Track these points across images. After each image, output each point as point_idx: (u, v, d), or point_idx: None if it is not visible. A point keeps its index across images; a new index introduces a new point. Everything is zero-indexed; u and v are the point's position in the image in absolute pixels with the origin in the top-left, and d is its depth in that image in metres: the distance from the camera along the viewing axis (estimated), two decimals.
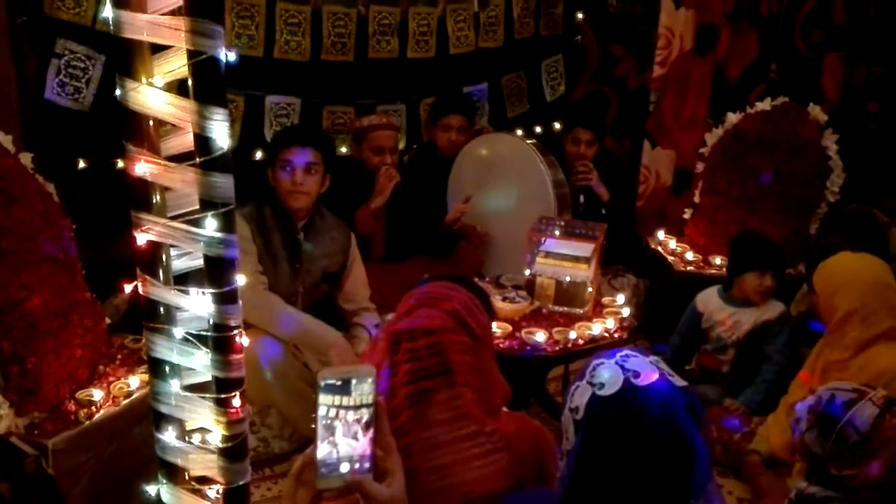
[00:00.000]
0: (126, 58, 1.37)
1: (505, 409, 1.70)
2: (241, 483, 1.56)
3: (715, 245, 3.48)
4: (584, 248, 2.85)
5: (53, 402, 2.15)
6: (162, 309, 1.51)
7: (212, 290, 1.42)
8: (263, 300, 2.67)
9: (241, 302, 1.46)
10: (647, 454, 1.16)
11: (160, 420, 1.58)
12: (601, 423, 1.19)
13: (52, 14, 2.88)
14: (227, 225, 1.39)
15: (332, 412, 1.04)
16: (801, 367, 2.63)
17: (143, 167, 1.41)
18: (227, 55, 1.33)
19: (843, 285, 2.37)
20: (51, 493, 2.06)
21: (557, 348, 2.66)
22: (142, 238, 1.46)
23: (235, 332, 1.46)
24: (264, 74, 3.35)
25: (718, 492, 1.29)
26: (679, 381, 1.22)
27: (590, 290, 2.83)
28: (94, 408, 2.15)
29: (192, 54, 1.30)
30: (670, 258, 3.47)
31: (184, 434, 1.62)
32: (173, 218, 1.46)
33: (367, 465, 1.05)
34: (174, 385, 1.55)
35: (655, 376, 1.19)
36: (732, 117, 3.47)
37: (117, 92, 1.39)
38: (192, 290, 1.48)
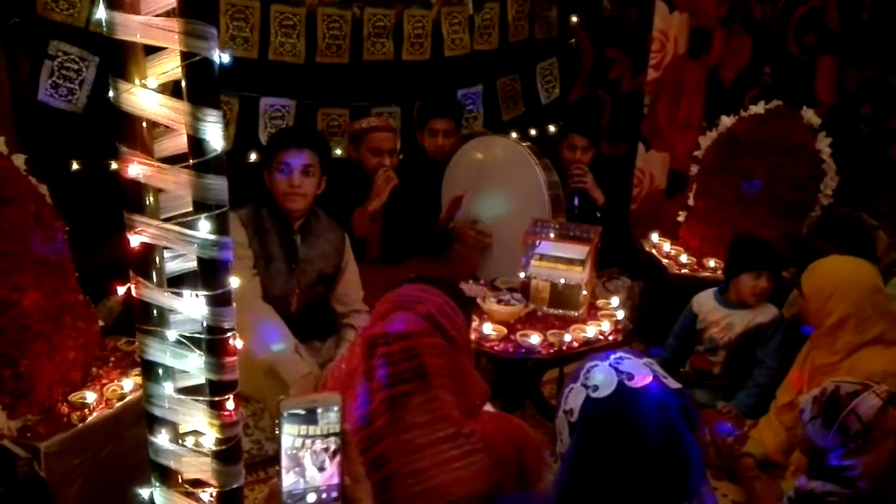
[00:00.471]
0: (119, 59, 1.37)
1: (492, 408, 1.70)
2: (234, 486, 1.55)
3: (709, 247, 3.49)
4: (579, 251, 2.85)
5: (46, 404, 2.13)
6: (155, 311, 1.50)
7: (205, 293, 1.41)
8: (251, 309, 2.63)
9: (234, 305, 1.46)
10: (641, 456, 1.16)
11: (153, 423, 1.57)
12: (595, 425, 1.19)
13: (46, 15, 2.87)
14: (220, 227, 1.38)
15: (299, 442, 1.04)
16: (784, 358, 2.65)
17: (137, 169, 1.40)
18: (221, 57, 1.32)
19: (837, 290, 2.38)
20: (43, 495, 2.05)
21: (552, 351, 2.66)
22: (135, 240, 1.45)
23: (229, 334, 1.45)
24: (259, 76, 3.35)
25: (712, 494, 1.29)
26: (673, 384, 1.22)
27: (584, 292, 2.83)
28: (87, 410, 2.14)
29: (185, 56, 1.29)
30: (665, 261, 3.48)
31: (177, 437, 1.61)
32: (167, 220, 1.45)
33: (334, 494, 1.04)
34: (167, 388, 1.54)
35: (649, 378, 1.19)
36: (726, 120, 3.48)
37: (110, 93, 1.39)
38: (186, 292, 1.47)
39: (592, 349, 2.69)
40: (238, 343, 1.49)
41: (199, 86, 1.31)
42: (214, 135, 1.33)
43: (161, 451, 1.58)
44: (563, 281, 2.83)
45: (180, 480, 1.62)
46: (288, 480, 1.03)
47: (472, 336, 2.65)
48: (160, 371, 1.54)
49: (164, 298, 1.49)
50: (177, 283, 1.52)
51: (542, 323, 2.81)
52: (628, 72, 4.29)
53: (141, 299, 1.49)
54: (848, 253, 2.56)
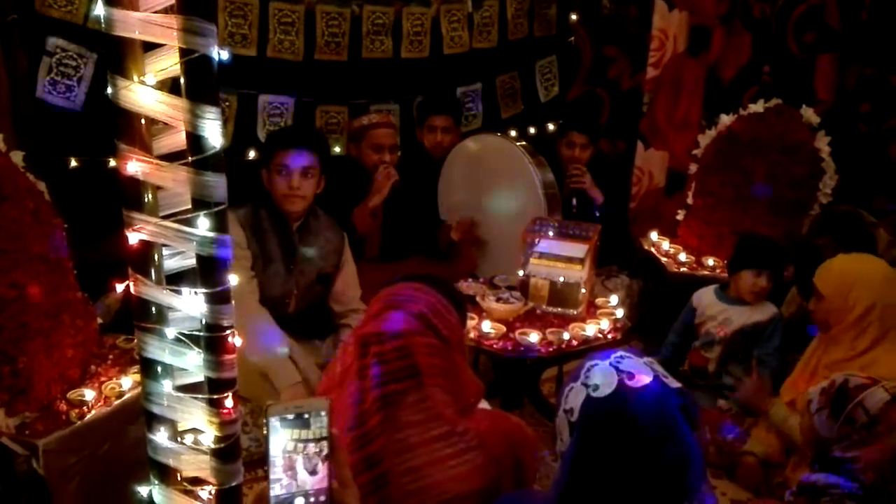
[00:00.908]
0: (118, 56, 1.36)
1: (488, 406, 1.70)
2: (233, 484, 1.54)
3: (708, 246, 3.49)
4: (578, 249, 2.85)
5: (44, 401, 2.13)
6: (154, 309, 1.49)
7: (204, 290, 1.41)
8: (247, 311, 2.61)
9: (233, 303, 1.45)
10: (641, 455, 1.16)
11: (152, 420, 1.56)
12: (595, 424, 1.19)
13: (44, 12, 2.87)
14: (219, 224, 1.37)
15: (290, 445, 1.04)
16: (791, 369, 2.63)
17: (135, 166, 1.40)
18: (220, 54, 1.32)
19: (857, 282, 2.37)
20: (41, 493, 2.05)
21: (551, 349, 2.66)
22: (133, 237, 1.44)
23: (228, 332, 1.45)
24: (257, 74, 3.34)
25: (712, 493, 1.29)
26: (673, 383, 1.22)
27: (583, 290, 2.83)
28: (85, 408, 2.14)
29: (184, 52, 1.28)
30: (664, 259, 3.48)
31: (176, 435, 1.60)
32: (165, 217, 1.45)
33: (322, 498, 1.05)
34: (166, 385, 1.54)
35: (650, 378, 1.19)
36: (725, 119, 3.48)
37: (109, 90, 1.38)
38: (185, 289, 1.47)
39: (591, 347, 2.69)
40: (237, 341, 1.49)
41: (197, 83, 1.31)
42: (213, 132, 1.33)
43: (160, 448, 1.57)
44: (562, 279, 2.82)
45: (179, 478, 1.62)
46: (276, 486, 1.03)
47: (471, 334, 2.65)
48: (159, 369, 1.53)
49: (162, 296, 1.48)
50: (176, 280, 1.51)
51: (540, 321, 2.81)
52: (627, 70, 4.28)
53: (140, 297, 1.49)
54: (849, 251, 2.56)
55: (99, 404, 2.18)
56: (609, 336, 2.76)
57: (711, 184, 3.49)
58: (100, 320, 2.45)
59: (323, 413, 1.05)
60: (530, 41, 4.12)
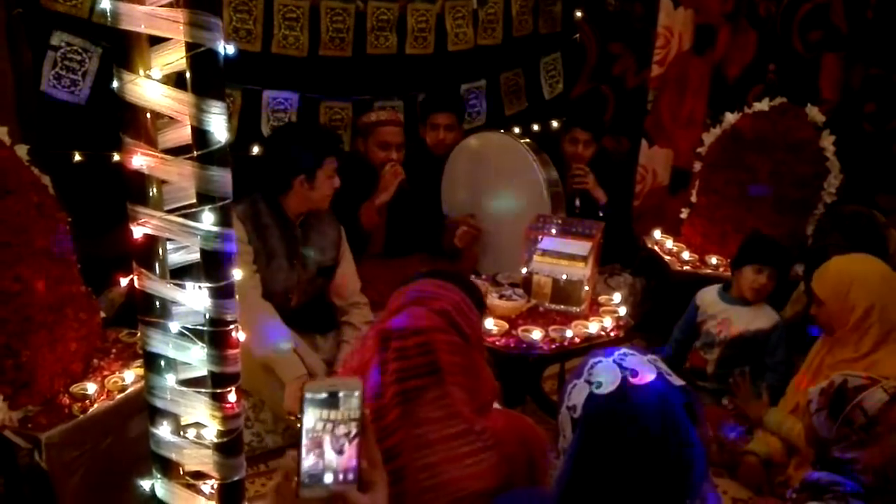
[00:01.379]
0: (123, 50, 1.36)
1: (497, 405, 1.70)
2: (235, 478, 1.55)
3: (712, 244, 3.48)
4: (581, 247, 2.85)
5: (47, 395, 2.14)
6: (158, 303, 1.50)
7: (208, 285, 1.41)
8: (251, 306, 2.61)
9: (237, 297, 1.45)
10: (644, 453, 1.16)
11: (155, 414, 1.57)
12: (598, 422, 1.19)
13: (49, 6, 2.86)
14: (224, 219, 1.38)
15: (320, 425, 1.06)
16: (796, 372, 2.62)
17: (140, 160, 1.40)
18: (226, 48, 1.32)
19: (855, 283, 2.35)
20: (44, 486, 2.05)
21: (554, 346, 2.65)
22: (138, 231, 1.45)
23: (231, 326, 1.45)
24: (262, 69, 3.34)
25: (715, 491, 1.29)
26: (677, 380, 1.22)
27: (586, 288, 2.83)
28: (88, 402, 2.15)
29: (190, 47, 1.29)
30: (667, 257, 3.47)
31: (179, 429, 1.61)
32: (170, 211, 1.45)
33: (351, 476, 1.07)
34: (169, 379, 1.55)
35: (653, 375, 1.19)
36: (730, 117, 3.47)
37: (115, 84, 1.38)
38: (189, 284, 1.47)
39: (594, 345, 2.69)
40: (240, 335, 1.49)
41: (203, 77, 1.31)
42: (218, 126, 1.33)
43: (163, 442, 1.58)
44: (564, 277, 2.82)
45: (182, 472, 1.62)
46: (308, 461, 1.05)
47: None
48: (162, 363, 1.54)
49: (166, 290, 1.49)
50: (179, 274, 1.52)
51: (543, 318, 2.81)
52: (632, 67, 4.27)
53: (144, 291, 1.49)
54: (861, 250, 2.54)
55: (101, 398, 2.19)
56: (612, 334, 2.76)
57: (716, 182, 3.48)
58: (103, 314, 2.45)
59: (356, 393, 1.07)
60: (535, 38, 4.11)
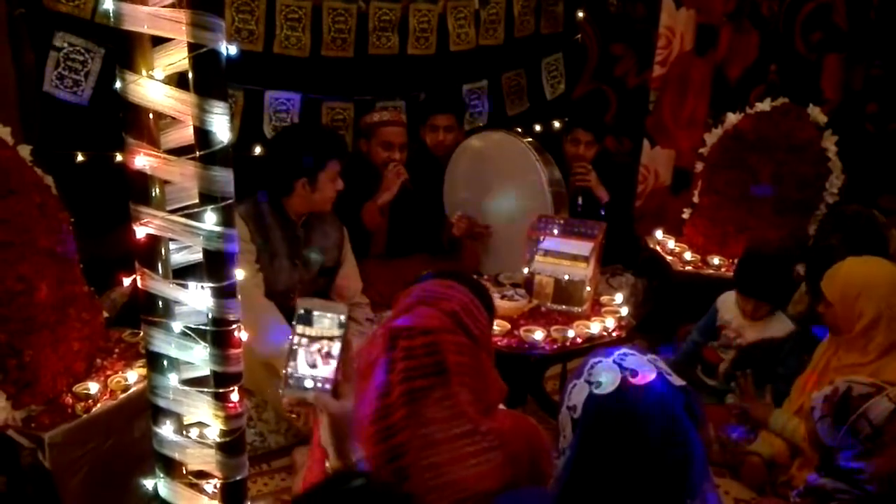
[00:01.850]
0: (126, 50, 1.37)
1: (502, 406, 1.71)
2: (238, 478, 1.55)
3: (713, 245, 3.48)
4: (583, 247, 2.85)
5: (50, 395, 2.14)
6: (161, 302, 1.50)
7: (211, 285, 1.41)
8: (254, 305, 2.61)
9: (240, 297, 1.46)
10: (643, 452, 1.16)
11: (158, 414, 1.57)
12: (598, 421, 1.19)
13: (51, 6, 2.87)
14: (226, 219, 1.38)
15: (298, 339, 1.31)
16: (801, 372, 2.61)
17: (143, 160, 1.41)
18: (228, 49, 1.32)
19: (864, 290, 2.32)
20: (47, 486, 2.06)
21: (555, 347, 2.65)
22: (141, 231, 1.45)
23: (234, 326, 1.46)
24: (264, 69, 3.34)
25: (715, 491, 1.29)
26: (677, 380, 1.22)
27: (588, 288, 2.83)
28: (91, 401, 2.15)
29: (192, 47, 1.29)
30: (669, 258, 3.47)
31: (181, 428, 1.61)
32: (172, 211, 1.45)
33: (328, 385, 1.32)
34: (172, 379, 1.55)
35: (653, 375, 1.19)
36: (732, 118, 3.47)
37: (117, 84, 1.39)
38: (191, 284, 1.47)
39: (595, 345, 2.69)
40: (243, 335, 1.49)
41: (205, 77, 1.31)
42: (221, 126, 1.33)
43: (165, 442, 1.58)
44: (566, 277, 2.82)
45: (184, 472, 1.63)
46: (290, 368, 1.30)
47: None
48: (165, 362, 1.54)
49: (169, 290, 1.49)
50: (182, 274, 1.52)
51: (545, 319, 2.81)
52: (634, 68, 4.27)
53: (146, 290, 1.50)
54: (861, 251, 2.53)
55: (104, 398, 2.19)
56: (613, 334, 2.76)
57: (717, 182, 3.48)
58: (105, 314, 2.46)
59: (330, 315, 1.32)
60: (537, 38, 4.11)
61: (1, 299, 2.02)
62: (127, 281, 1.54)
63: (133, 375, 2.26)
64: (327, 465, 1.39)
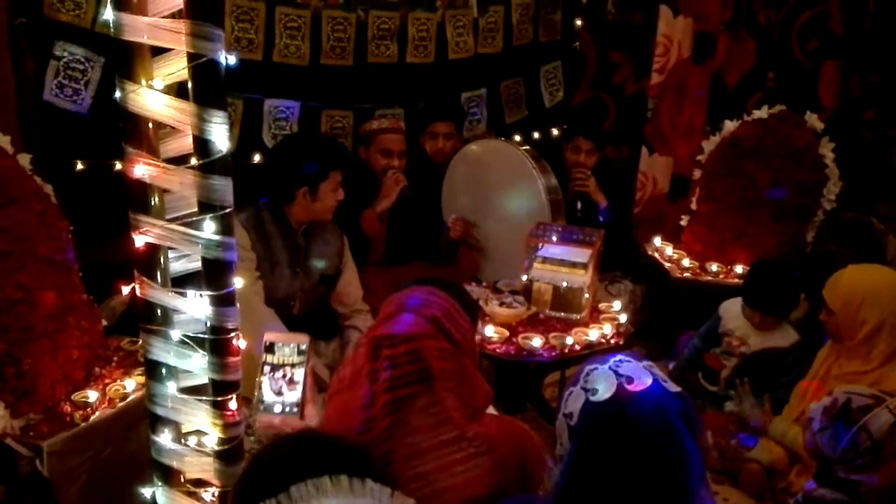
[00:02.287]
0: (126, 60, 1.38)
1: (494, 411, 1.71)
2: None
3: (712, 252, 3.49)
4: (582, 254, 2.85)
5: (49, 403, 2.14)
6: (159, 311, 1.51)
7: (209, 293, 1.42)
8: (254, 313, 2.60)
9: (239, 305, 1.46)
10: (640, 459, 1.16)
11: (156, 422, 1.58)
12: (594, 428, 1.19)
13: (52, 16, 2.88)
14: (225, 227, 1.39)
15: (263, 368, 1.58)
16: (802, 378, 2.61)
17: (142, 169, 1.41)
18: (228, 58, 1.33)
19: (867, 297, 2.30)
20: (45, 494, 2.06)
21: (554, 354, 2.66)
22: (140, 240, 1.46)
23: (232, 334, 1.46)
24: (263, 78, 3.35)
25: (712, 498, 1.29)
26: (673, 387, 1.22)
27: (587, 295, 2.83)
28: (89, 409, 2.15)
29: (192, 57, 1.30)
30: (667, 265, 3.48)
31: (180, 436, 1.62)
32: (171, 220, 1.46)
33: (295, 409, 1.57)
34: (171, 387, 1.55)
35: (649, 381, 1.20)
36: (730, 125, 3.47)
37: (117, 94, 1.40)
38: (190, 292, 1.48)
39: (594, 352, 2.69)
40: (241, 343, 1.50)
41: (205, 87, 1.32)
42: (220, 136, 1.34)
43: (164, 450, 1.58)
44: (565, 284, 2.83)
45: (182, 480, 1.63)
46: (259, 395, 1.59)
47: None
48: (164, 370, 1.55)
49: (168, 298, 1.50)
50: (181, 283, 1.53)
51: (543, 326, 2.81)
52: (632, 76, 4.29)
53: (145, 299, 1.50)
54: (860, 257, 2.53)
55: (103, 406, 2.19)
56: (612, 341, 2.76)
57: (715, 189, 3.49)
58: (104, 322, 2.46)
59: (291, 345, 1.61)
60: (535, 46, 4.13)
61: (0, 308, 2.03)
62: (126, 289, 1.55)
63: (131, 384, 2.26)
64: None
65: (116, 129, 1.42)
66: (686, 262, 3.47)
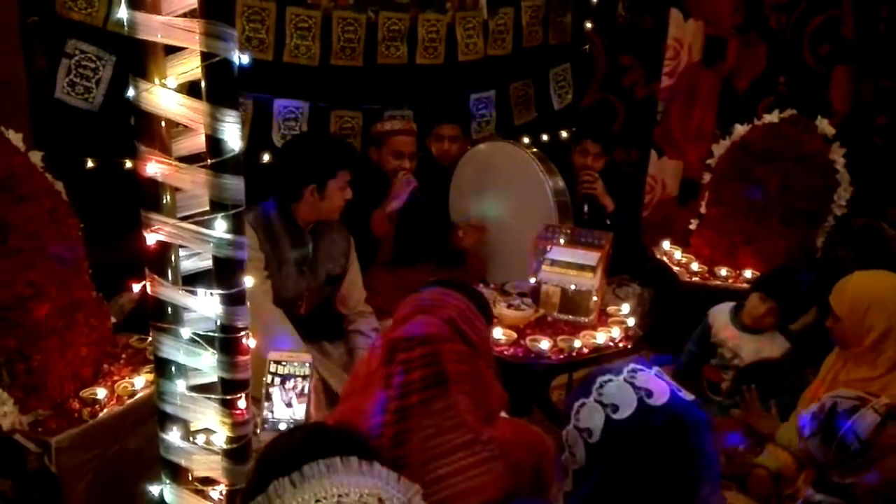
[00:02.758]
0: (139, 58, 1.38)
1: (504, 415, 1.70)
2: (244, 485, 1.55)
3: (721, 256, 3.47)
4: (590, 257, 2.85)
5: (58, 399, 2.15)
6: (170, 309, 1.51)
7: (220, 292, 1.42)
8: (262, 312, 2.62)
9: (248, 304, 1.47)
10: (666, 472, 1.15)
11: (165, 420, 1.58)
12: (621, 447, 1.17)
13: (64, 14, 2.90)
14: (236, 226, 1.39)
15: (271, 380, 1.67)
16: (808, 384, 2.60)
17: (155, 167, 1.42)
18: (241, 58, 1.33)
19: (874, 304, 2.29)
20: (53, 490, 2.06)
21: (561, 357, 2.65)
22: (151, 238, 1.46)
23: (242, 333, 1.46)
24: (273, 78, 3.36)
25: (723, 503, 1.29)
26: (688, 395, 1.21)
27: (595, 298, 2.83)
28: (98, 406, 2.15)
29: (205, 56, 1.30)
30: (676, 268, 3.46)
31: (188, 434, 1.62)
32: (183, 218, 1.46)
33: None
34: (180, 385, 1.56)
35: (667, 394, 1.18)
36: (740, 129, 3.46)
37: (130, 92, 1.40)
38: (200, 290, 1.48)
39: (602, 355, 2.68)
40: (251, 342, 1.50)
41: (218, 86, 1.33)
42: (232, 135, 1.34)
43: (172, 448, 1.59)
44: (573, 287, 2.82)
45: (190, 478, 1.63)
46: (266, 410, 1.63)
47: None
48: (173, 368, 1.55)
49: (178, 296, 1.50)
50: (191, 281, 1.53)
51: (551, 328, 2.80)
52: (642, 79, 4.28)
53: (156, 297, 1.51)
54: (870, 263, 2.51)
55: (111, 403, 2.19)
56: (620, 344, 2.75)
57: (725, 194, 3.47)
58: (113, 319, 2.47)
59: (307, 363, 1.69)
60: (545, 49, 4.12)
61: (10, 304, 2.04)
62: (136, 287, 1.55)
63: (140, 381, 2.26)
64: None
65: (127, 127, 1.43)
66: (695, 267, 3.45)
